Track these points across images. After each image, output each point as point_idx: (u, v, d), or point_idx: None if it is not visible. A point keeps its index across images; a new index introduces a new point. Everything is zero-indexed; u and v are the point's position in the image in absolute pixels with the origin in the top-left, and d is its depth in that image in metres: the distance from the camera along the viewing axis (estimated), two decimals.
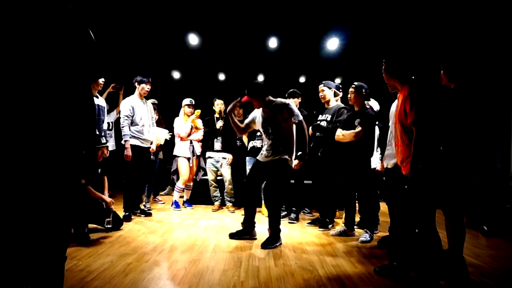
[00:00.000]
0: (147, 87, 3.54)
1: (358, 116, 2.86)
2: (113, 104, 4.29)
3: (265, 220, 3.70)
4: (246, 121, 2.94)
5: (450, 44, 4.68)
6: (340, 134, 2.92)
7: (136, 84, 3.55)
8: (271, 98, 2.78)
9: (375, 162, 3.32)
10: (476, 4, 3.99)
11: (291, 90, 3.84)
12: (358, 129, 2.80)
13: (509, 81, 4.87)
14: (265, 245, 2.57)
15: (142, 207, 3.81)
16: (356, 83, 2.99)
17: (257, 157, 2.85)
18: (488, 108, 4.86)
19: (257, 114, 2.87)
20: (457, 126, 1.99)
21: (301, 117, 2.73)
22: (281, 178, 2.69)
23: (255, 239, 2.81)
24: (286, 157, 2.68)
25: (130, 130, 3.41)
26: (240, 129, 2.94)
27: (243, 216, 2.86)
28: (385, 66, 2.01)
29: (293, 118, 2.68)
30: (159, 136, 4.06)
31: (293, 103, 2.79)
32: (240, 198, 4.39)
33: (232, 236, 2.81)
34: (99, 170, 2.75)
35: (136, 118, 3.47)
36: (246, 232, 2.82)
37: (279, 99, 2.78)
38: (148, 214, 3.70)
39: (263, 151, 2.78)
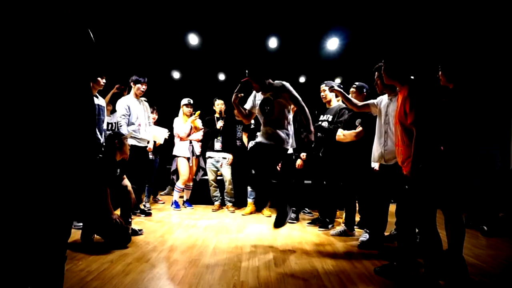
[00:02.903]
0: (142, 87, 3.53)
1: (359, 116, 2.86)
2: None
3: (265, 220, 3.71)
4: (247, 107, 2.85)
5: (448, 44, 4.68)
6: (341, 134, 2.92)
7: (131, 84, 3.54)
8: (270, 81, 2.72)
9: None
10: (475, 4, 3.99)
11: None
12: (359, 129, 2.80)
13: (508, 81, 4.87)
14: (277, 225, 2.49)
15: (142, 207, 3.81)
16: (357, 83, 3.00)
17: (256, 140, 2.76)
18: (488, 108, 4.86)
19: (255, 97, 2.79)
20: (457, 126, 1.99)
21: (300, 100, 2.67)
22: (273, 160, 2.65)
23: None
24: (283, 145, 2.61)
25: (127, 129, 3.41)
26: (245, 117, 2.85)
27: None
28: (384, 67, 2.01)
29: (292, 102, 2.64)
30: (158, 135, 4.05)
31: (287, 85, 2.73)
32: (240, 198, 4.40)
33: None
34: (118, 171, 2.73)
35: (132, 117, 3.47)
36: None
37: (277, 81, 2.72)
38: (148, 214, 3.70)
39: (262, 132, 2.70)
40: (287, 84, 2.69)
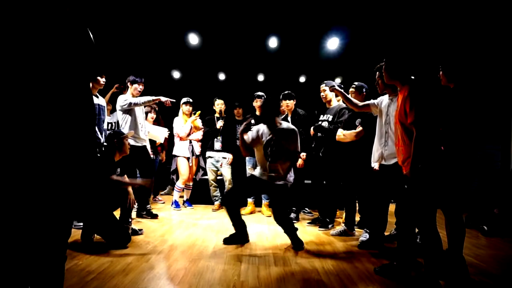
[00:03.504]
0: (139, 87, 3.51)
1: (359, 116, 2.87)
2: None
3: (265, 220, 3.71)
4: (251, 136, 2.78)
5: (449, 44, 4.68)
6: (341, 134, 2.93)
7: (128, 84, 3.52)
8: (278, 120, 2.72)
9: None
10: (476, 4, 3.99)
11: (286, 92, 3.82)
12: (359, 129, 2.80)
13: (508, 81, 4.87)
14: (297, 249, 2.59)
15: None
16: (356, 82, 3.00)
17: (254, 173, 2.80)
18: (488, 108, 4.87)
19: (262, 131, 2.77)
20: (457, 126, 2.00)
21: (298, 150, 2.72)
22: (285, 202, 2.71)
23: (248, 241, 2.73)
24: (287, 183, 2.67)
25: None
26: (248, 149, 2.79)
27: (232, 223, 2.71)
28: (385, 67, 2.01)
29: (293, 146, 2.64)
30: (157, 135, 4.05)
31: (297, 133, 2.72)
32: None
33: (227, 241, 2.67)
34: (118, 170, 2.72)
35: (132, 117, 3.47)
36: (240, 236, 2.72)
37: (285, 124, 2.74)
38: (154, 216, 3.60)
39: (261, 170, 2.74)
40: (297, 133, 2.69)
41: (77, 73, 1.25)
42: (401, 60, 1.95)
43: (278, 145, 2.63)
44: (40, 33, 1.15)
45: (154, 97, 3.43)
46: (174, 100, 3.57)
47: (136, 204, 3.78)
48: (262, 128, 2.78)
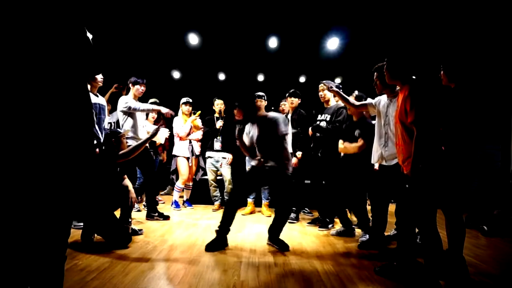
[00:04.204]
0: (141, 89, 3.50)
1: (358, 127, 2.83)
2: (116, 104, 4.27)
3: (264, 220, 3.71)
4: (248, 141, 2.78)
5: (450, 44, 4.68)
6: (343, 146, 2.89)
7: (130, 85, 3.52)
8: (261, 113, 2.73)
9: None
10: (476, 4, 3.99)
11: (292, 90, 3.83)
12: (361, 142, 2.76)
13: (509, 81, 4.87)
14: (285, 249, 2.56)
15: (142, 207, 3.78)
16: (357, 92, 2.99)
17: (253, 163, 2.72)
18: (488, 108, 4.87)
19: (249, 129, 2.79)
20: (458, 126, 2.00)
21: (287, 131, 2.67)
22: (288, 186, 2.65)
23: (227, 245, 2.61)
24: (286, 170, 2.62)
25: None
26: (250, 150, 2.75)
27: (221, 222, 2.63)
28: (387, 66, 2.01)
29: (279, 132, 2.59)
30: (158, 135, 4.04)
31: (283, 117, 2.70)
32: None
33: (209, 248, 2.49)
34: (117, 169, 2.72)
35: (134, 118, 3.47)
36: (221, 240, 2.59)
37: (271, 114, 2.71)
38: (166, 217, 3.54)
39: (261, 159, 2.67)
40: (280, 120, 2.64)
41: (74, 72, 1.25)
42: (403, 59, 1.95)
43: (263, 134, 2.63)
44: (38, 32, 1.15)
45: (155, 106, 3.47)
46: (174, 113, 3.57)
47: (145, 205, 3.78)
48: (249, 127, 2.81)
